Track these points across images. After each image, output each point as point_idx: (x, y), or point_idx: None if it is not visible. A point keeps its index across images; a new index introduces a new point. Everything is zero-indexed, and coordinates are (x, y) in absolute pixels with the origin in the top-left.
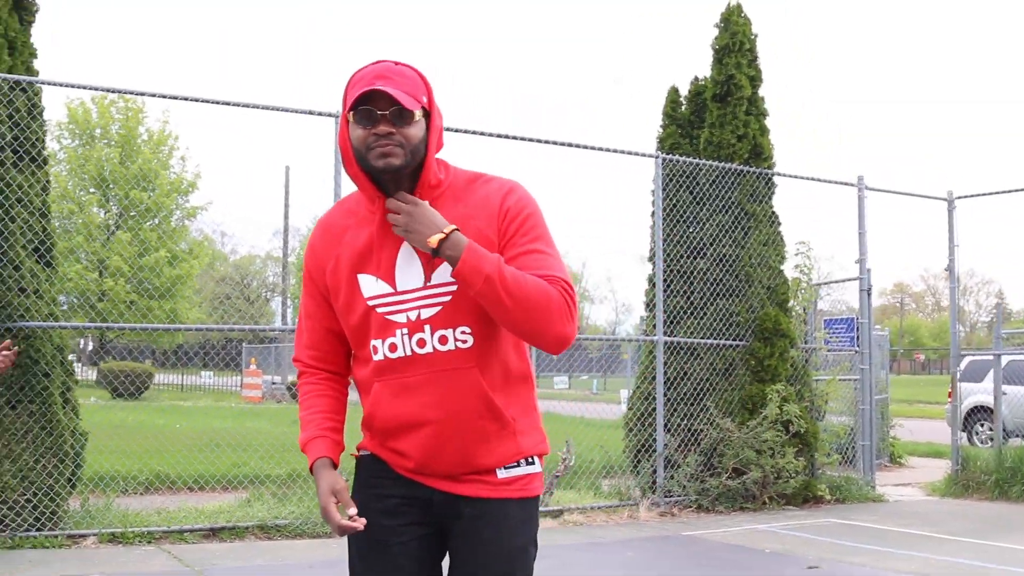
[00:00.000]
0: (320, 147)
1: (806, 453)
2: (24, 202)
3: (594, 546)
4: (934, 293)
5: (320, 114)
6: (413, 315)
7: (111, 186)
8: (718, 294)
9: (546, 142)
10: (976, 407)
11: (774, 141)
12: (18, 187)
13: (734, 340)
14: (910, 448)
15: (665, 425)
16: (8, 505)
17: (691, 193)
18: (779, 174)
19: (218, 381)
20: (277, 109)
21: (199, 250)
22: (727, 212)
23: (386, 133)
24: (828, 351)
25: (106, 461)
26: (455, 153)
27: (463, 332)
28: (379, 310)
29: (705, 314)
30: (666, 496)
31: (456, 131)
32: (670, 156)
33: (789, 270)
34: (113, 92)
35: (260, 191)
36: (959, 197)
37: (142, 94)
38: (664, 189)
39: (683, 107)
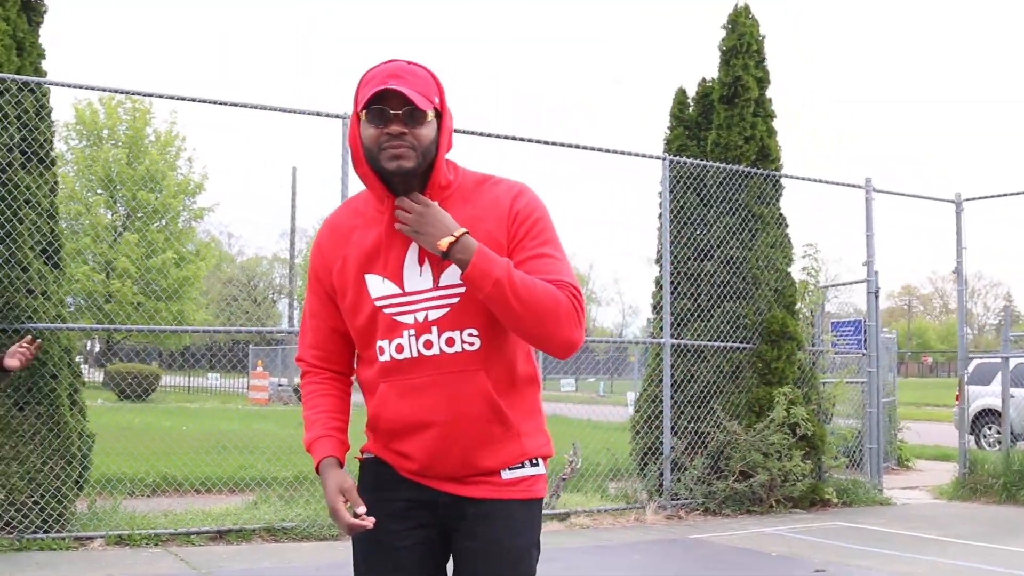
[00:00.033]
0: (327, 148)
1: (813, 456)
2: (32, 203)
3: (600, 549)
4: (942, 296)
5: (327, 115)
6: (420, 316)
7: (118, 187)
8: (725, 296)
9: (552, 144)
10: (984, 410)
11: (780, 142)
12: (26, 188)
13: (741, 343)
14: (917, 451)
15: (672, 428)
16: (15, 507)
17: (698, 195)
18: (787, 176)
19: (225, 383)
20: (285, 110)
21: (206, 251)
22: (734, 214)
23: (398, 133)
24: (835, 354)
25: (113, 463)
26: (457, 154)
27: (470, 334)
28: (386, 311)
29: (712, 316)
30: (673, 499)
31: (462, 132)
32: (677, 158)
33: (796, 272)
34: (121, 93)
35: (267, 192)
36: (967, 199)
37: (150, 95)
38: (671, 191)
39: (690, 108)
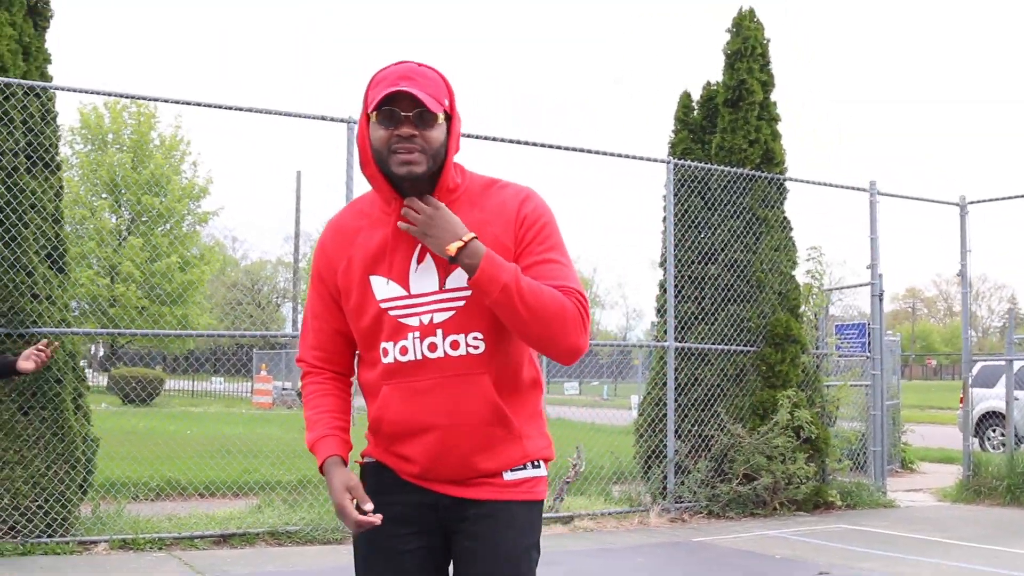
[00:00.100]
0: (332, 152)
1: (817, 459)
2: (37, 208)
3: (604, 552)
4: (946, 298)
5: (332, 119)
6: (426, 319)
7: (123, 191)
8: (729, 299)
9: (556, 147)
10: (988, 412)
11: (784, 145)
12: (31, 193)
13: (745, 346)
14: (921, 454)
15: (676, 431)
16: (20, 511)
17: (703, 198)
18: (791, 179)
19: (229, 387)
20: (289, 115)
21: (210, 255)
22: (739, 217)
23: (408, 135)
24: (839, 357)
25: (117, 467)
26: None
27: (475, 338)
28: (391, 312)
29: (716, 320)
30: (677, 502)
31: (465, 136)
32: (682, 161)
33: (801, 275)
34: (126, 97)
35: (271, 196)
36: (971, 202)
37: (155, 99)
38: (676, 194)
39: (695, 112)
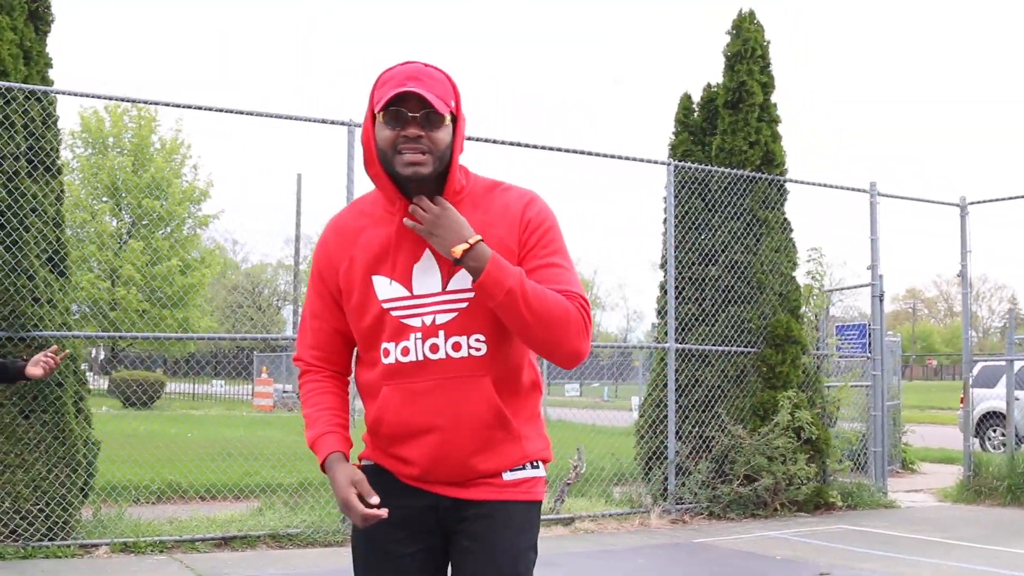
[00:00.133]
0: (332, 155)
1: (818, 460)
2: (38, 212)
3: (605, 554)
4: (946, 298)
5: (333, 123)
6: (428, 320)
7: (124, 195)
8: (730, 301)
9: (557, 149)
10: (988, 413)
11: (784, 147)
12: (32, 197)
13: (746, 347)
14: (922, 454)
15: (677, 432)
16: (21, 515)
17: (703, 200)
18: (791, 180)
19: (229, 390)
20: (290, 118)
21: (211, 259)
22: (739, 219)
23: (415, 136)
24: (840, 357)
25: (118, 470)
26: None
27: (477, 340)
28: (393, 313)
29: (717, 321)
30: (677, 503)
31: (467, 139)
32: (682, 163)
33: (801, 276)
34: (127, 101)
35: (272, 199)
36: (972, 203)
37: (156, 103)
38: (676, 196)
39: (695, 114)
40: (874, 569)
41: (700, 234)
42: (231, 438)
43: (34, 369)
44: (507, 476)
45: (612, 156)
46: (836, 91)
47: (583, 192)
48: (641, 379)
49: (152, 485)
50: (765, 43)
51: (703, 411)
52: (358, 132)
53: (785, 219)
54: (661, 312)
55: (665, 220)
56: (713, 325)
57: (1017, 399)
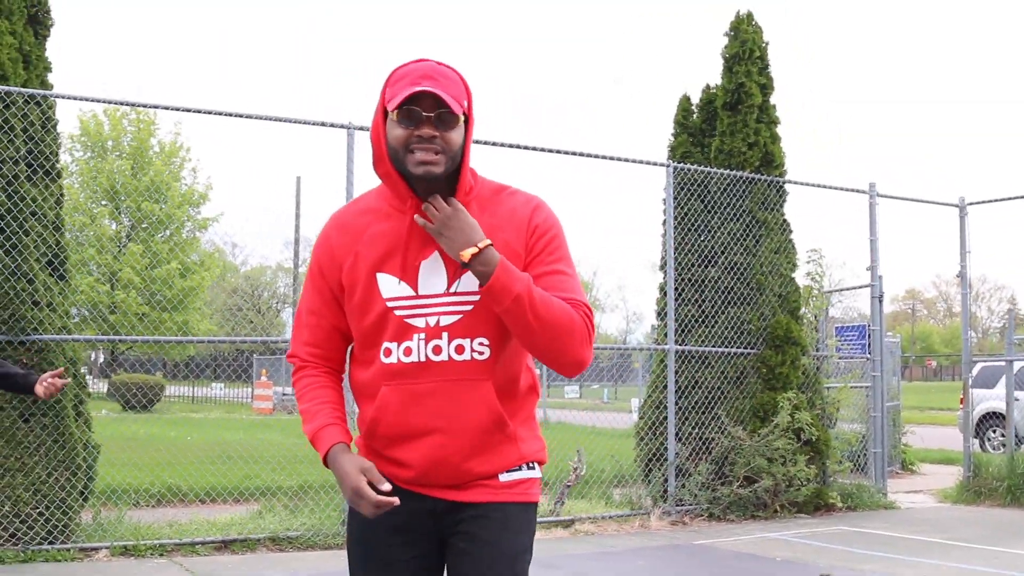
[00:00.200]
0: (332, 158)
1: (817, 461)
2: (38, 216)
3: (605, 555)
4: (946, 299)
5: (332, 125)
6: (432, 321)
7: (123, 198)
8: (729, 302)
9: (557, 152)
10: (988, 413)
11: (784, 148)
12: (32, 200)
13: (746, 348)
14: (922, 455)
15: (676, 434)
16: (20, 518)
17: (702, 201)
18: (790, 181)
19: (229, 393)
20: (290, 121)
21: (210, 262)
22: (738, 220)
23: (429, 136)
24: (840, 358)
25: (118, 474)
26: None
27: (481, 343)
28: (397, 312)
29: (716, 322)
30: (677, 505)
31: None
32: (681, 165)
33: (800, 278)
34: (127, 105)
35: (271, 202)
36: (971, 203)
37: (155, 107)
38: (675, 197)
39: (694, 115)
40: (874, 570)
41: (699, 235)
42: (231, 441)
43: (39, 387)
44: (503, 477)
45: (612, 158)
46: (836, 91)
47: (583, 193)
48: (641, 381)
49: (152, 488)
50: (764, 44)
51: (703, 412)
52: (358, 135)
53: (784, 220)
54: (661, 314)
55: (664, 221)
56: (713, 326)
57: (1017, 400)
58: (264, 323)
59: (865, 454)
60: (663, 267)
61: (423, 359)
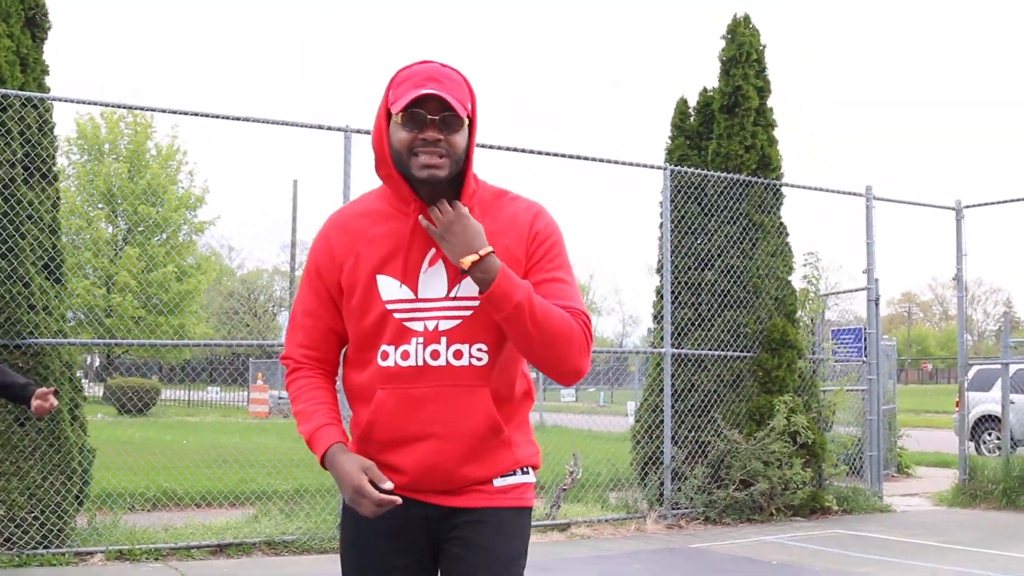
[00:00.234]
0: (329, 161)
1: (813, 464)
2: (34, 219)
3: (601, 559)
4: (942, 302)
5: (329, 128)
6: (431, 325)
7: (119, 201)
8: (726, 305)
9: (553, 155)
10: (984, 416)
11: (781, 151)
12: (28, 204)
13: (742, 351)
14: (917, 458)
15: (672, 437)
16: (16, 523)
17: (699, 204)
18: (787, 184)
19: (225, 396)
20: (287, 124)
21: (206, 265)
22: (735, 223)
23: (434, 139)
24: (836, 361)
25: (113, 478)
26: None
27: (479, 349)
28: (396, 315)
29: (713, 326)
30: (673, 508)
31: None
32: (678, 168)
33: (797, 281)
34: (124, 108)
35: (268, 205)
36: (967, 206)
37: (152, 110)
38: (672, 200)
39: (691, 118)
40: (870, 573)
41: (696, 238)
42: (226, 445)
43: (33, 401)
44: (498, 482)
45: (609, 161)
46: (833, 94)
47: (579, 196)
48: (637, 384)
49: (147, 492)
50: (761, 47)
51: (699, 416)
52: (355, 138)
53: (781, 223)
54: (657, 316)
55: (661, 224)
56: (709, 330)
57: (1012, 402)
58: (260, 327)
59: (861, 457)
60: (659, 270)
61: (421, 363)
